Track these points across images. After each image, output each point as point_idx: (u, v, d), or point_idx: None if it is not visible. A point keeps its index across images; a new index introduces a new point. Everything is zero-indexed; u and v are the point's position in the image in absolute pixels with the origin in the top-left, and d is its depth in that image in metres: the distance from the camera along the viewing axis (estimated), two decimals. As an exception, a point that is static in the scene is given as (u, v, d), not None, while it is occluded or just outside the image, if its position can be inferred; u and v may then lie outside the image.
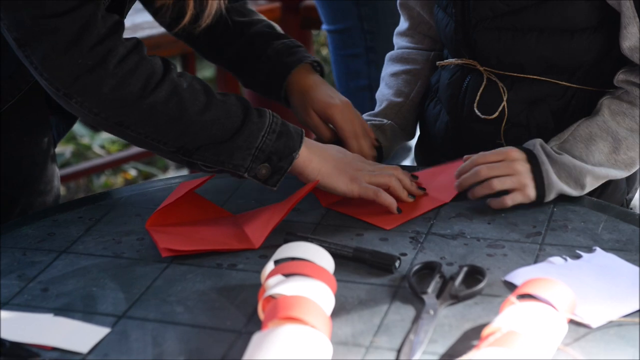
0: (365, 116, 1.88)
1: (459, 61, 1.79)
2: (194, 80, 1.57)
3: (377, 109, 1.90)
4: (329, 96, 1.79)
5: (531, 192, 1.62)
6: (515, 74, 1.72)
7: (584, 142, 1.65)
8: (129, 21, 1.85)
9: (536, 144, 1.65)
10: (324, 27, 2.94)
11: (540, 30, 1.68)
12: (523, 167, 1.63)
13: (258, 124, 1.57)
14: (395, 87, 1.91)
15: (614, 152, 1.64)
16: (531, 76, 1.72)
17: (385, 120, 1.87)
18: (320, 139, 1.79)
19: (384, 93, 1.92)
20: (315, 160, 1.61)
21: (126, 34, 1.55)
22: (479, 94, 1.75)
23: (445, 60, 1.83)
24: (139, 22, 3.11)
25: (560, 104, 1.72)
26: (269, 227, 1.57)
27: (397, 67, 1.93)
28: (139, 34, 3.03)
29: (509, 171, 1.63)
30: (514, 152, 1.64)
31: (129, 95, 1.51)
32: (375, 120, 1.87)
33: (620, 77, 1.67)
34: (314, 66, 1.83)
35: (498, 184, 1.62)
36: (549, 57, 1.70)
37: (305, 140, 1.61)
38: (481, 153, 1.66)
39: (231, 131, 1.56)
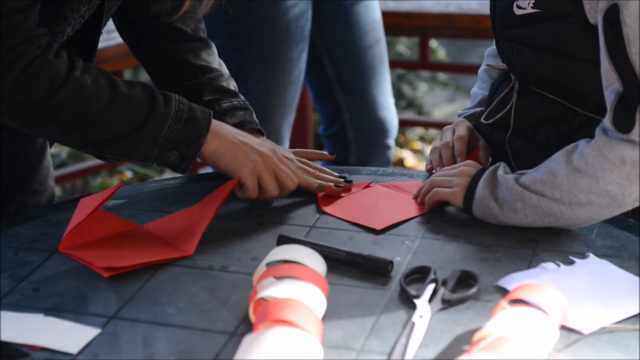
0: (462, 110, 1.91)
1: (501, 66, 1.82)
2: (99, 74, 1.59)
3: (471, 104, 1.93)
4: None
5: (458, 194, 1.63)
6: (534, 88, 1.71)
7: (538, 172, 1.56)
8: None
9: (499, 165, 1.63)
10: None
11: (555, 52, 1.65)
12: (465, 179, 1.63)
13: (163, 115, 1.60)
14: (488, 80, 1.92)
15: (555, 187, 1.53)
16: (544, 93, 1.69)
17: (477, 109, 1.88)
18: None
19: (476, 91, 1.94)
20: (215, 142, 1.64)
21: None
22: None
23: (496, 64, 1.86)
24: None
25: (568, 128, 1.68)
26: (199, 232, 1.57)
27: (492, 61, 1.92)
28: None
29: (452, 182, 1.64)
30: (467, 167, 1.66)
31: (33, 98, 1.55)
32: (469, 112, 1.89)
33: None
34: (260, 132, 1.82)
35: (439, 189, 1.65)
36: (561, 79, 1.67)
37: (214, 122, 1.64)
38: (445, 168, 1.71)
39: (136, 124, 1.59)
